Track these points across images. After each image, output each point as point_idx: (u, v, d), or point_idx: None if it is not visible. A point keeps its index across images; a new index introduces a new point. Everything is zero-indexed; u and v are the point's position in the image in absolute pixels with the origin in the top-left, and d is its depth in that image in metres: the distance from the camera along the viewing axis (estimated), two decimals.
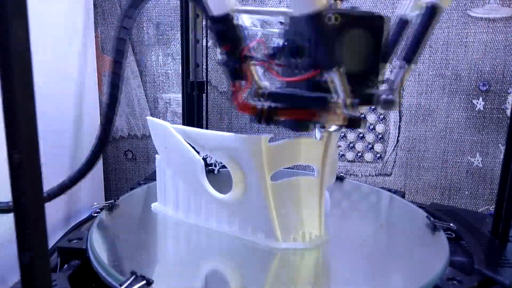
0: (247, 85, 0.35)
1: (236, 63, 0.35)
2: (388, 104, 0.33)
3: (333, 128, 0.38)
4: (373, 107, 0.54)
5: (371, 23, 0.33)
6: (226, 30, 0.34)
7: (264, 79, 0.37)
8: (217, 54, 0.80)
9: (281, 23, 0.35)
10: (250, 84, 0.35)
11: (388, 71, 0.36)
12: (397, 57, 0.35)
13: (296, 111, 0.35)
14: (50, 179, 0.58)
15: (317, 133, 0.44)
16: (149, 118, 0.50)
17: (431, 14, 0.33)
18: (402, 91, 0.74)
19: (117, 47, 0.43)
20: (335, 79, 0.30)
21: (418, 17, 0.33)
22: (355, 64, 0.32)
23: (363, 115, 0.77)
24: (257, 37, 0.38)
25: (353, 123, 0.35)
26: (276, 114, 0.35)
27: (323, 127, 0.37)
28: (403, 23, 0.35)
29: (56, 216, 0.66)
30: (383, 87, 0.34)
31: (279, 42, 0.35)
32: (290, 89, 0.35)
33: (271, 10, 0.36)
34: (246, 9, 0.35)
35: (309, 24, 0.30)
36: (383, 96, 0.33)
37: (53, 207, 0.65)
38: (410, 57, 0.34)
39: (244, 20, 0.37)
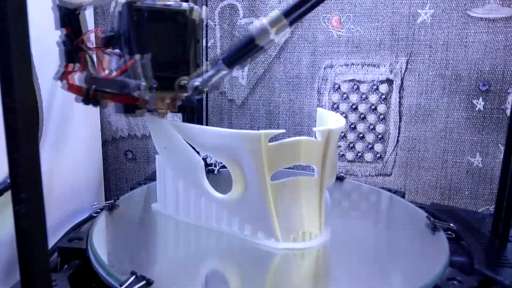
0: (80, 69, 0.39)
1: (72, 47, 0.38)
2: (194, 90, 0.37)
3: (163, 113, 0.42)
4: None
5: (175, 17, 0.36)
6: (71, 17, 0.37)
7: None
8: (217, 54, 0.80)
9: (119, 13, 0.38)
10: (82, 69, 0.38)
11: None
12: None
13: (121, 96, 0.38)
14: (52, 178, 0.58)
15: (318, 133, 0.44)
16: (148, 115, 0.50)
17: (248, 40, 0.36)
18: (402, 91, 0.75)
19: None
20: (138, 63, 0.35)
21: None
22: (160, 53, 0.36)
23: (363, 115, 0.77)
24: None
25: (183, 109, 0.40)
26: (103, 97, 0.39)
27: (153, 111, 0.40)
28: (248, 41, 0.37)
29: (56, 216, 0.66)
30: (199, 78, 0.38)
31: (113, 30, 0.38)
32: (120, 76, 0.39)
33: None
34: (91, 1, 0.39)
35: (124, 15, 0.34)
36: (193, 82, 0.37)
37: (53, 207, 0.65)
38: (227, 60, 0.37)
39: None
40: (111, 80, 0.38)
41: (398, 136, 0.76)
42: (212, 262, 0.43)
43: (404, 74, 0.74)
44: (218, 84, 0.40)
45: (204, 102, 0.78)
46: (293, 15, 0.36)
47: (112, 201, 0.54)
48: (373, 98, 0.76)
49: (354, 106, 0.77)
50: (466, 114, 0.73)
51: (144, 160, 0.86)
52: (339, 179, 0.65)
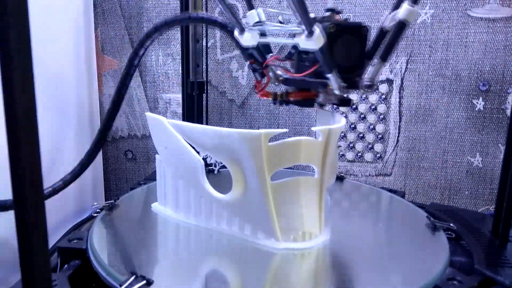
0: (267, 81, 0.49)
1: (260, 69, 0.49)
2: (368, 88, 0.45)
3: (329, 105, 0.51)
4: (372, 106, 0.57)
5: (358, 30, 0.45)
6: (253, 53, 0.48)
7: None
8: (217, 54, 0.80)
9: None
10: (268, 80, 0.49)
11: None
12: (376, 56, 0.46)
13: (302, 93, 0.48)
14: (52, 178, 0.58)
15: (317, 132, 0.44)
16: (148, 114, 0.50)
17: (400, 26, 0.43)
18: (402, 91, 0.75)
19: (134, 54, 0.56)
20: (330, 77, 0.43)
21: (393, 27, 0.44)
22: (345, 60, 0.45)
23: (363, 115, 0.77)
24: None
25: (343, 102, 0.47)
26: (288, 96, 0.48)
27: (322, 105, 0.49)
28: (383, 32, 0.46)
29: (56, 216, 0.66)
30: (365, 77, 0.46)
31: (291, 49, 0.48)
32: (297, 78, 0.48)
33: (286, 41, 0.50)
34: (267, 41, 0.48)
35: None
36: (365, 82, 0.45)
37: (53, 207, 0.65)
38: (383, 57, 0.45)
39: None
40: (307, 81, 0.46)
41: (398, 136, 0.76)
42: (212, 262, 0.43)
43: (404, 74, 0.74)
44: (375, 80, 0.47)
45: (204, 102, 0.78)
46: None
47: (112, 201, 0.54)
48: (373, 98, 0.76)
49: (354, 106, 0.77)
50: (466, 114, 0.73)
51: (144, 160, 0.86)
52: (339, 179, 0.65)
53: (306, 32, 0.41)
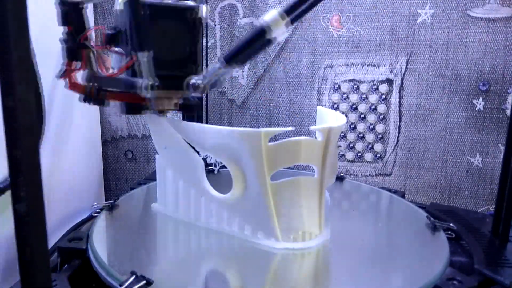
0: (82, 67, 0.38)
1: (75, 45, 0.38)
2: (194, 88, 0.36)
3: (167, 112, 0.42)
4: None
5: (185, 14, 0.35)
6: (73, 14, 0.37)
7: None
8: (217, 54, 0.80)
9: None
10: (84, 67, 0.38)
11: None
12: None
13: (124, 94, 0.38)
14: (52, 177, 0.58)
15: (318, 133, 0.44)
16: (149, 114, 0.50)
17: (259, 32, 0.35)
18: (402, 91, 0.75)
19: None
20: (141, 60, 0.34)
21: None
22: (165, 51, 0.35)
23: (363, 115, 0.77)
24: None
25: (185, 107, 0.39)
26: (105, 96, 0.39)
27: (160, 112, 0.40)
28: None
29: (56, 216, 0.66)
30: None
31: (115, 27, 0.38)
32: (122, 74, 0.38)
33: None
34: None
35: (126, 11, 0.34)
36: (192, 81, 0.36)
37: (53, 207, 0.65)
38: (227, 58, 0.37)
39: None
40: (116, 79, 0.38)
41: (398, 136, 0.76)
42: (212, 262, 0.43)
43: (404, 74, 0.74)
44: (220, 83, 0.39)
45: (204, 102, 0.78)
46: (294, 12, 0.35)
47: (112, 201, 0.54)
48: (373, 98, 0.76)
49: (354, 106, 0.77)
50: (466, 114, 0.73)
51: (144, 160, 0.86)
52: (339, 179, 0.65)
53: None
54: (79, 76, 0.41)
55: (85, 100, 0.40)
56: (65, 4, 0.38)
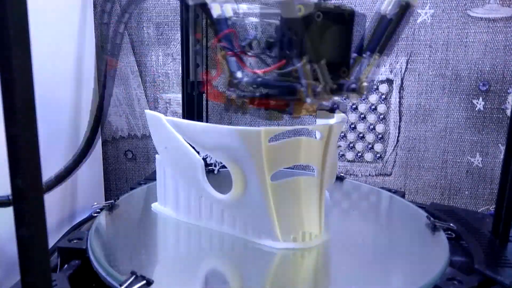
0: (218, 73, 0.38)
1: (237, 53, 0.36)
2: (353, 92, 0.34)
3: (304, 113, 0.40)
4: (374, 106, 0.55)
5: (341, 16, 0.34)
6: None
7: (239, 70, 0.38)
8: (217, 54, 0.80)
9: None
10: (220, 73, 0.37)
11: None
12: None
13: (265, 100, 0.37)
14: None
15: (318, 133, 0.44)
16: (147, 111, 0.50)
17: (404, 9, 0.34)
18: (402, 91, 0.74)
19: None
20: (299, 69, 0.32)
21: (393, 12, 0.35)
22: (324, 55, 0.33)
23: (363, 115, 0.77)
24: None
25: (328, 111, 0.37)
26: (250, 103, 0.37)
27: (295, 116, 0.39)
28: (381, 18, 0.36)
29: (56, 216, 0.66)
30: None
31: (252, 33, 0.37)
32: (264, 79, 0.37)
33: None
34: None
35: (279, 16, 0.32)
36: (351, 85, 0.34)
37: (53, 207, 0.65)
38: (380, 48, 0.35)
39: (226, 10, 0.38)
40: (271, 85, 0.36)
41: (398, 136, 0.76)
42: (212, 262, 0.43)
43: (404, 74, 0.74)
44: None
45: (204, 102, 0.78)
46: None
47: (112, 201, 0.54)
48: (373, 98, 0.76)
49: (354, 106, 0.77)
50: (466, 114, 0.73)
51: (144, 160, 0.86)
52: (339, 179, 0.65)
53: None
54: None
55: (226, 109, 0.38)
56: (189, 9, 0.38)
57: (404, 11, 0.34)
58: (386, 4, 0.35)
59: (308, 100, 0.34)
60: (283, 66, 0.34)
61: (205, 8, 0.36)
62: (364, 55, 0.36)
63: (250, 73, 0.37)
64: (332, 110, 0.38)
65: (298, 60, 0.32)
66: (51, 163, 0.65)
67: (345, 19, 0.34)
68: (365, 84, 0.35)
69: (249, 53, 0.37)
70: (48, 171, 0.61)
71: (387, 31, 0.34)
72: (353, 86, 0.34)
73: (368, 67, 0.36)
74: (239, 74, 0.37)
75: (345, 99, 0.72)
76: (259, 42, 0.36)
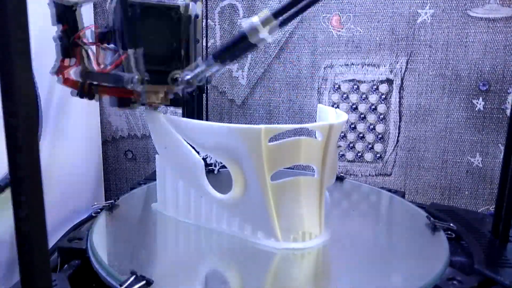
0: (76, 64, 0.41)
1: (69, 43, 0.40)
2: (178, 83, 0.39)
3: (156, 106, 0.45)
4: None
5: (168, 13, 0.39)
6: (67, 14, 0.40)
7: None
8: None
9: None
10: (78, 63, 0.41)
11: None
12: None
13: (115, 89, 0.41)
14: (53, 177, 0.58)
15: (318, 132, 0.44)
16: (146, 110, 0.50)
17: (241, 36, 0.37)
18: (402, 91, 0.74)
19: None
20: (130, 56, 0.37)
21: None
22: (151, 47, 0.38)
23: (363, 115, 0.77)
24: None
25: (175, 101, 0.42)
26: (98, 91, 0.41)
27: (149, 105, 0.43)
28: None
29: (56, 216, 0.66)
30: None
31: (104, 28, 0.41)
32: (113, 70, 0.41)
33: None
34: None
35: (117, 11, 0.37)
36: (175, 76, 0.39)
37: (53, 207, 0.65)
38: (216, 56, 0.39)
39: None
40: (106, 74, 0.40)
41: (398, 136, 0.76)
42: (212, 262, 0.43)
43: (404, 74, 0.74)
44: (209, 78, 0.42)
45: (204, 102, 0.78)
46: (283, 16, 0.36)
47: (112, 201, 0.54)
48: (373, 98, 0.76)
49: (354, 106, 0.77)
50: (466, 114, 0.73)
51: (144, 160, 0.86)
52: (339, 179, 0.65)
53: None
54: (73, 72, 0.43)
55: (77, 95, 0.42)
56: (58, 5, 0.40)
57: (243, 40, 0.37)
58: (250, 30, 0.37)
59: (132, 87, 0.38)
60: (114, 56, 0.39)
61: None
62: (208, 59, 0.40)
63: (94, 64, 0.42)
64: (177, 101, 0.42)
65: (123, 51, 0.37)
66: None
67: (170, 14, 0.38)
68: (193, 79, 0.40)
69: (104, 46, 0.41)
70: (53, 174, 0.61)
71: (239, 49, 0.38)
72: (180, 77, 0.39)
73: (207, 69, 0.40)
74: (89, 66, 0.41)
75: (373, 110, 0.74)
76: (108, 36, 0.40)
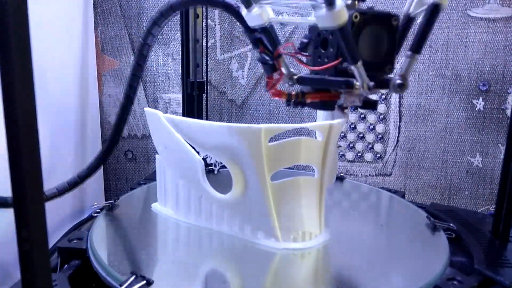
0: (280, 76, 0.43)
1: (271, 61, 0.43)
2: (400, 87, 0.39)
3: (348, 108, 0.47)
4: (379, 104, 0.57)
5: (387, 21, 0.40)
6: (261, 37, 0.42)
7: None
8: (217, 54, 0.80)
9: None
10: (282, 76, 0.43)
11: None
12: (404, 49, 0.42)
13: (322, 93, 0.42)
14: (53, 177, 0.58)
15: (318, 132, 0.44)
16: (146, 109, 0.50)
17: (434, 9, 0.38)
18: None
19: (141, 51, 0.51)
20: (354, 70, 0.37)
21: (421, 14, 0.40)
22: (373, 55, 0.39)
23: (363, 115, 0.77)
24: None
25: (367, 104, 0.42)
26: (304, 97, 0.42)
27: (343, 108, 0.44)
28: (409, 20, 0.42)
29: (56, 216, 0.66)
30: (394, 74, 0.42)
31: (307, 36, 0.42)
32: (317, 75, 0.42)
33: (299, 20, 0.45)
34: (279, 20, 0.43)
35: (341, 33, 0.36)
36: (396, 81, 0.40)
37: (53, 207, 0.65)
38: (415, 48, 0.40)
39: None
40: (326, 79, 0.40)
41: (398, 136, 0.76)
42: (212, 262, 0.43)
43: None
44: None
45: (204, 102, 0.78)
46: None
47: (112, 201, 0.54)
48: (373, 98, 0.76)
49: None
50: (466, 114, 0.73)
51: (144, 160, 0.86)
52: (339, 179, 0.65)
53: (324, 5, 0.34)
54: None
55: (289, 104, 0.43)
56: (252, 31, 0.43)
57: (436, 12, 0.38)
58: (413, 7, 0.41)
59: (363, 93, 0.38)
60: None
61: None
62: (408, 53, 0.41)
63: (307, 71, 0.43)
64: (372, 103, 0.43)
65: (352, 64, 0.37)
66: (58, 167, 0.65)
67: (391, 24, 0.40)
68: (407, 80, 0.40)
69: (305, 54, 0.43)
70: (53, 174, 0.61)
71: (423, 31, 0.39)
72: (399, 81, 0.39)
73: (410, 64, 0.41)
74: (297, 73, 0.43)
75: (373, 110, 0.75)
76: (312, 44, 0.42)
